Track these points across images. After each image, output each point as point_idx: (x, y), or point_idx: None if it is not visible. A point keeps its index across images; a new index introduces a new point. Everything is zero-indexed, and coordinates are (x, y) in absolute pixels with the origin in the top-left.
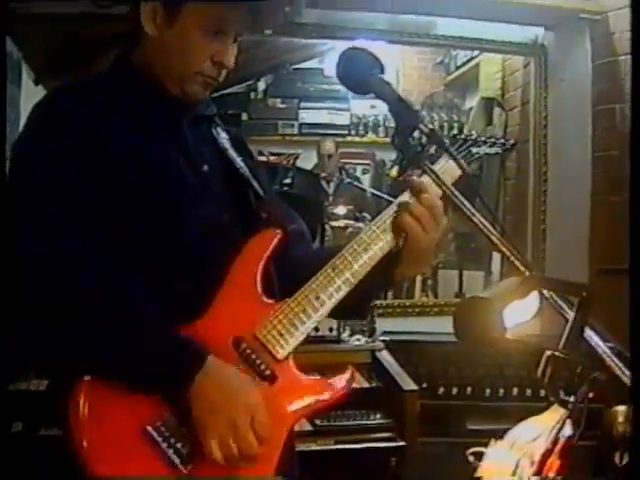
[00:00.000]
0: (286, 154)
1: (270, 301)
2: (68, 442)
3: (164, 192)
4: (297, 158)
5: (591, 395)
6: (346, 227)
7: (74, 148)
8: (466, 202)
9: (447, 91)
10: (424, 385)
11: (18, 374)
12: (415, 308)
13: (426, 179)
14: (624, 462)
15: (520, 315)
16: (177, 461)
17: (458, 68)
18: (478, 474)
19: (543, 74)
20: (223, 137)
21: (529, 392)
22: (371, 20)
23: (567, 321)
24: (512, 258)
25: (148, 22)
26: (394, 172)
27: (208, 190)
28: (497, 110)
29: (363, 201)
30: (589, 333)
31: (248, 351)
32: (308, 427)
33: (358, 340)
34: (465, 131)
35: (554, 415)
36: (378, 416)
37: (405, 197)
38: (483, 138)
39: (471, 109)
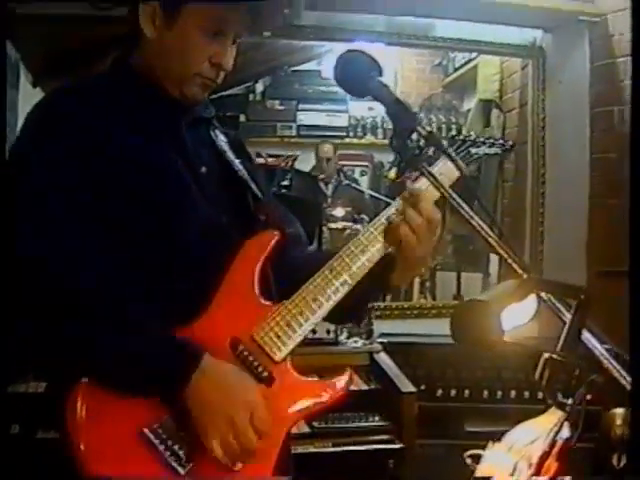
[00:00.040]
0: (284, 156)
1: (268, 303)
2: (65, 445)
3: (162, 194)
4: (295, 160)
5: (589, 397)
6: (344, 229)
7: (73, 149)
8: (464, 204)
9: (445, 93)
10: (422, 387)
11: (17, 376)
12: (413, 310)
13: (423, 183)
14: (622, 464)
15: (518, 318)
16: (174, 464)
17: (456, 70)
18: (476, 476)
19: (541, 76)
20: (221, 139)
21: (527, 394)
22: (369, 22)
23: (565, 323)
24: (510, 260)
25: (147, 24)
26: (392, 174)
27: (206, 192)
28: (495, 112)
29: (361, 203)
30: (586, 335)
31: (245, 353)
32: (306, 429)
33: (356, 342)
34: (463, 132)
35: (552, 418)
36: (376, 418)
37: (401, 205)
38: (482, 139)
39: (469, 111)
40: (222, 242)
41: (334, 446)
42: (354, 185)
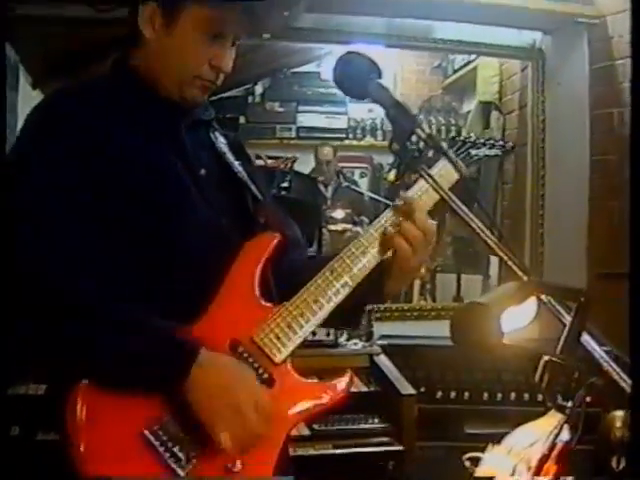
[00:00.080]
0: (284, 158)
1: (268, 304)
2: (65, 446)
3: (162, 195)
4: (294, 162)
5: (589, 400)
6: (344, 231)
7: (73, 149)
8: (464, 207)
9: (445, 95)
10: (422, 389)
11: (17, 377)
12: (413, 312)
13: (422, 186)
14: (621, 467)
15: (517, 320)
16: (174, 465)
17: (456, 72)
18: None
19: (541, 78)
20: (221, 141)
21: (527, 396)
22: (369, 24)
23: (564, 326)
24: (510, 263)
25: (146, 26)
26: (392, 176)
27: (206, 194)
28: (495, 114)
29: (361, 205)
30: (586, 338)
31: (245, 355)
32: (306, 431)
33: (356, 344)
34: (463, 134)
35: (551, 420)
36: (376, 420)
37: (395, 215)
38: (482, 140)
39: (469, 113)
40: (222, 244)
41: (334, 448)
42: (353, 187)
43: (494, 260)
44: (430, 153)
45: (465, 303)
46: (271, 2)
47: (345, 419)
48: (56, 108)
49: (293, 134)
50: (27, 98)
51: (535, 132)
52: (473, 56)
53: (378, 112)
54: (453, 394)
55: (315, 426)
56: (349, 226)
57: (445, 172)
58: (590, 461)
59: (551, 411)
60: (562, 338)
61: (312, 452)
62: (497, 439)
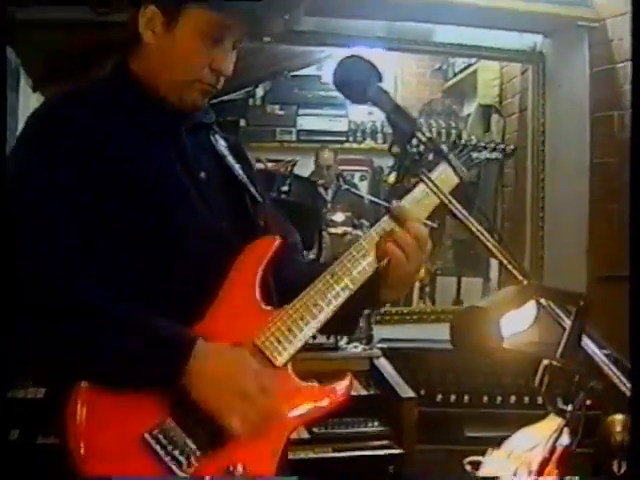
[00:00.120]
0: (284, 161)
1: (268, 308)
2: (65, 449)
3: (162, 198)
4: (294, 165)
5: (589, 403)
6: (344, 234)
7: (73, 150)
8: (464, 210)
9: (445, 98)
10: (422, 392)
11: (17, 380)
12: (413, 315)
13: (422, 190)
14: (622, 470)
15: (517, 324)
16: (175, 469)
17: (456, 75)
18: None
19: (541, 81)
20: (221, 144)
21: (527, 400)
22: (369, 27)
23: (564, 329)
24: (510, 267)
25: (146, 30)
26: (392, 178)
27: (206, 197)
28: (495, 117)
29: (361, 208)
30: (586, 341)
31: None
32: (305, 435)
33: (355, 347)
34: (464, 137)
35: (551, 424)
36: (376, 424)
37: (388, 223)
38: (483, 143)
39: (469, 116)
40: (221, 246)
41: (334, 451)
42: (353, 190)
43: (494, 263)
44: (430, 156)
45: (465, 307)
46: (271, 5)
47: (345, 422)
48: (56, 110)
49: (293, 137)
50: (27, 101)
51: (535, 135)
52: (473, 59)
53: (378, 115)
54: (453, 397)
55: (315, 429)
56: (349, 229)
57: (445, 176)
58: (590, 464)
59: (551, 415)
60: (562, 342)
61: (312, 455)
62: (497, 442)
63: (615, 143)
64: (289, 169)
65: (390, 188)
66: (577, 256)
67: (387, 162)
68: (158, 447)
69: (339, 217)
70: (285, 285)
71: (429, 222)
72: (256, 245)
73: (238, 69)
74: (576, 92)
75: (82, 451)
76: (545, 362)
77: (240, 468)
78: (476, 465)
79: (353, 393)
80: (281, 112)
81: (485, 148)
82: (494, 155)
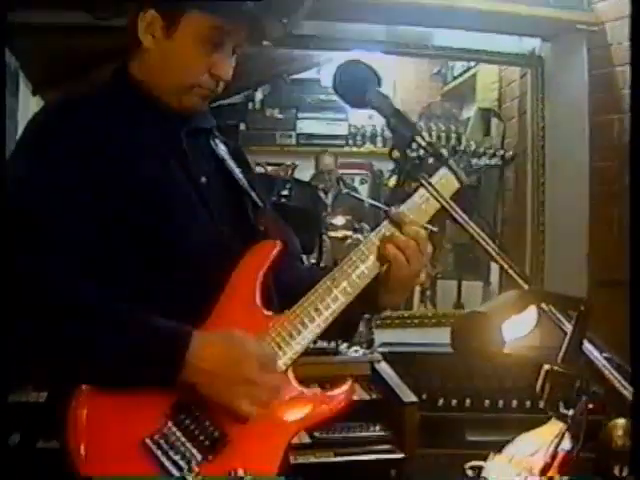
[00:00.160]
0: (284, 165)
1: (269, 313)
2: (66, 454)
3: (162, 202)
4: (295, 169)
5: (590, 406)
6: (344, 237)
7: (73, 154)
8: (464, 215)
9: (445, 101)
10: (423, 397)
11: (18, 383)
12: (414, 319)
13: (422, 194)
14: (624, 474)
15: (518, 329)
16: (176, 472)
17: (455, 78)
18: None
19: (540, 85)
20: (221, 148)
21: (528, 404)
22: (368, 31)
23: (565, 334)
24: (511, 271)
25: (146, 34)
26: (392, 182)
27: (206, 202)
28: (495, 120)
29: (361, 211)
30: (587, 346)
31: None
32: (307, 439)
33: (357, 352)
34: (463, 141)
35: (553, 428)
36: (377, 428)
37: (388, 228)
38: (482, 149)
39: (469, 119)
40: (222, 251)
41: (335, 456)
42: (354, 194)
43: (495, 267)
44: (431, 160)
45: (466, 312)
46: (271, 10)
47: (346, 427)
48: (56, 113)
49: (293, 141)
50: (27, 104)
51: (535, 139)
52: (473, 63)
53: (378, 119)
54: (454, 401)
55: (316, 434)
56: (349, 233)
57: (446, 180)
58: (592, 468)
59: (552, 419)
60: (563, 347)
61: (313, 460)
62: (499, 446)
63: (615, 147)
64: (289, 173)
65: (390, 192)
66: (577, 260)
67: (387, 166)
68: (159, 452)
69: (339, 221)
70: (286, 290)
71: (429, 226)
72: (256, 250)
73: (237, 73)
74: (575, 96)
75: (83, 455)
76: (546, 367)
77: (241, 472)
78: (478, 470)
79: (354, 397)
80: (281, 116)
81: (484, 154)
82: (493, 161)
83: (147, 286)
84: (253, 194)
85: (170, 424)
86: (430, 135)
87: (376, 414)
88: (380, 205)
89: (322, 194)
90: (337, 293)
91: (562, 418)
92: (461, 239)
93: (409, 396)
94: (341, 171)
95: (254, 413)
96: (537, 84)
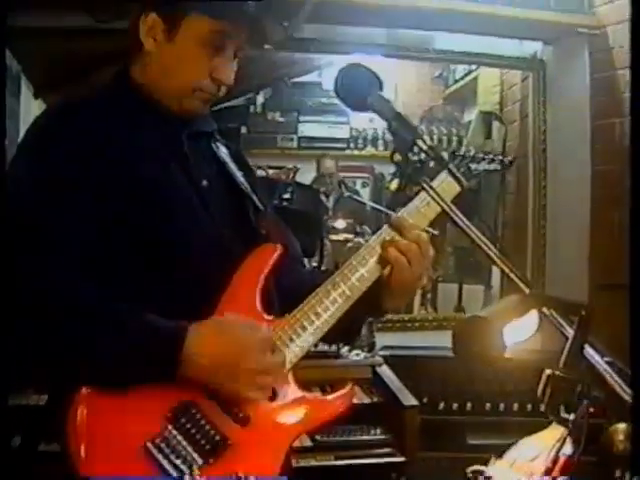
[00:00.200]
0: (285, 168)
1: (269, 317)
2: (67, 456)
3: (162, 205)
4: (296, 172)
5: (592, 410)
6: (346, 241)
7: (73, 155)
8: (465, 219)
9: (446, 104)
10: (424, 400)
11: (18, 382)
12: (414, 323)
13: (423, 198)
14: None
15: (519, 334)
16: (176, 475)
17: (457, 82)
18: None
19: (541, 88)
20: (223, 151)
21: (529, 407)
22: (369, 35)
23: (567, 338)
24: (512, 275)
25: (147, 38)
26: (393, 185)
27: (207, 205)
28: (496, 124)
29: (362, 214)
30: (589, 350)
31: None
32: (308, 442)
33: (358, 355)
34: (464, 145)
35: (554, 433)
36: (378, 431)
37: (389, 232)
38: (482, 155)
39: (470, 122)
40: (222, 254)
41: (336, 459)
42: (355, 197)
43: (496, 270)
44: (432, 164)
45: (467, 317)
46: (272, 14)
47: (347, 430)
48: (57, 115)
49: (294, 144)
50: (29, 107)
51: (536, 142)
52: (474, 66)
53: (379, 122)
54: (455, 405)
55: (317, 437)
56: (351, 236)
57: (446, 184)
58: (593, 472)
59: (554, 424)
60: (564, 352)
61: (314, 463)
62: (500, 450)
63: (616, 150)
64: (291, 176)
65: (392, 195)
66: (579, 263)
67: (388, 169)
68: (160, 456)
69: (341, 224)
70: (287, 293)
71: (430, 229)
72: (257, 253)
73: (238, 76)
74: (577, 99)
75: (83, 458)
76: (548, 372)
77: (242, 476)
78: (478, 474)
79: (355, 401)
80: (282, 119)
81: (483, 159)
82: (492, 166)
83: (147, 289)
84: (254, 197)
85: (171, 428)
86: (431, 138)
87: (377, 417)
88: (381, 208)
89: (323, 197)
90: (337, 296)
91: (563, 422)
92: (462, 242)
93: (410, 399)
94: (342, 174)
95: (263, 396)
96: (538, 87)
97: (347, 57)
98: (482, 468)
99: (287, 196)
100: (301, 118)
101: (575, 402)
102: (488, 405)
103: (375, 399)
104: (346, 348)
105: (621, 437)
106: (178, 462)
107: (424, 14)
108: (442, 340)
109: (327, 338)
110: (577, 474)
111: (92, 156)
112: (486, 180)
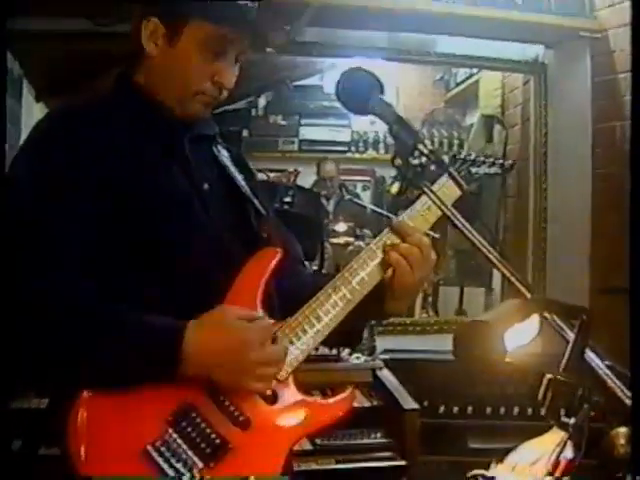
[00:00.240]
0: (287, 171)
1: (271, 321)
2: (67, 460)
3: (164, 210)
4: (297, 176)
5: (593, 414)
6: (347, 244)
7: (75, 159)
8: (466, 223)
9: (447, 108)
10: (425, 404)
11: (18, 386)
12: (416, 326)
13: (424, 202)
14: None
15: (520, 338)
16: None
17: (458, 85)
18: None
19: (543, 92)
20: (224, 155)
21: (530, 411)
22: (371, 38)
23: (567, 342)
24: (513, 279)
25: (149, 42)
26: (394, 189)
27: (208, 208)
28: (497, 127)
29: (363, 218)
30: (589, 354)
31: None
32: (308, 446)
33: (358, 359)
34: (465, 148)
35: (555, 437)
36: (379, 435)
37: (390, 236)
38: (482, 158)
39: (471, 126)
40: (223, 257)
41: (337, 463)
42: (356, 200)
43: (497, 273)
44: (433, 167)
45: (468, 321)
46: (274, 17)
47: (348, 434)
48: (59, 119)
49: (296, 147)
50: (30, 110)
51: (537, 146)
52: (475, 69)
53: (381, 125)
54: (456, 409)
55: (318, 441)
56: (351, 239)
57: (447, 188)
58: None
59: (554, 427)
60: (565, 356)
61: (315, 467)
62: (501, 454)
63: (617, 154)
64: (292, 180)
65: (393, 198)
66: (579, 267)
67: (389, 172)
68: (161, 459)
69: (341, 227)
70: (288, 296)
71: (431, 233)
72: (258, 257)
73: (240, 79)
74: (578, 103)
75: (84, 461)
76: (548, 376)
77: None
78: (479, 478)
79: (356, 404)
80: (283, 122)
81: (484, 163)
82: (493, 170)
83: (147, 290)
84: (256, 201)
85: (171, 431)
86: (432, 142)
87: (377, 421)
88: (382, 212)
89: (324, 200)
90: (337, 300)
91: (563, 427)
92: (463, 245)
93: (410, 403)
94: (343, 177)
95: (265, 388)
96: (540, 91)
97: (348, 60)
98: (483, 472)
99: (288, 199)
100: (302, 121)
101: (576, 406)
102: (489, 409)
103: (376, 403)
104: (347, 351)
105: (622, 441)
106: (179, 466)
107: (425, 17)
108: (443, 343)
109: (329, 342)
110: (578, 477)
111: (93, 158)
112: (487, 183)
